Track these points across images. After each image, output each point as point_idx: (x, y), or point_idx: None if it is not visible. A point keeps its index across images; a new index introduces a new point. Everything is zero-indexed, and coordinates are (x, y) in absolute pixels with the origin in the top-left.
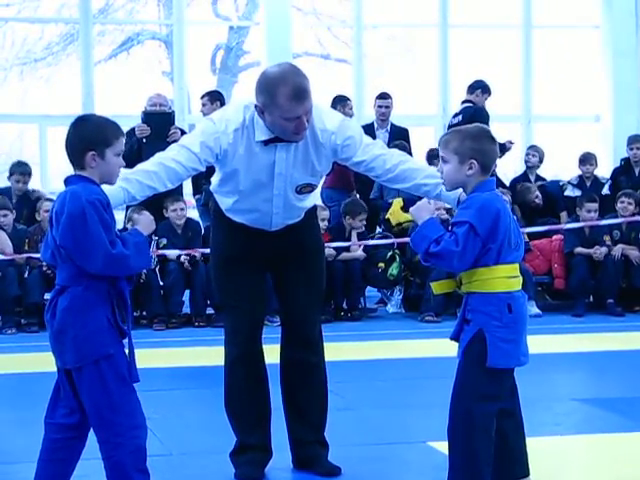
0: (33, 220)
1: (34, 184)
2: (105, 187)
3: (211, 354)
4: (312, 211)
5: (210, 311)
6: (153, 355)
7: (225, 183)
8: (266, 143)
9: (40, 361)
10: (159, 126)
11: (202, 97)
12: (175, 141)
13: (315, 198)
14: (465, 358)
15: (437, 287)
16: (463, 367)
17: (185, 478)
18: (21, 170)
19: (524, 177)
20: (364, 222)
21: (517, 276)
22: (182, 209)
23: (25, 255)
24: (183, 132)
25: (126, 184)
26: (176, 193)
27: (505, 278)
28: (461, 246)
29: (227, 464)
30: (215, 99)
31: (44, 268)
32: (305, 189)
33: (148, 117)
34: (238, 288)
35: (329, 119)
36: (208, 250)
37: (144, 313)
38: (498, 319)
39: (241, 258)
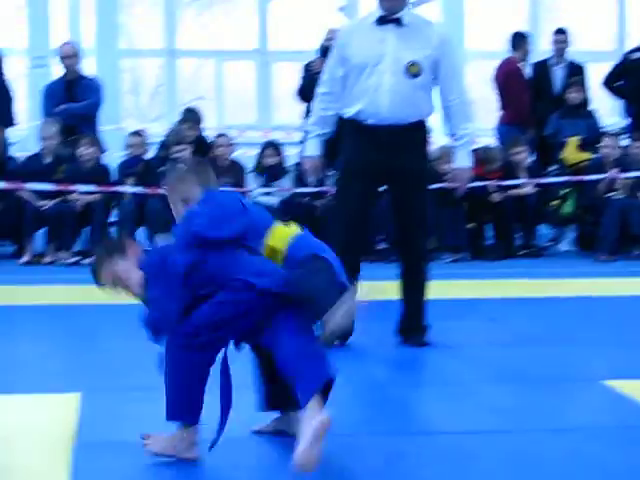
0: None
1: (210, 120)
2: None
3: (375, 288)
4: (421, 131)
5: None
6: None
7: (348, 78)
8: (379, 23)
9: None
10: None
11: None
12: None
13: (429, 110)
14: None
15: None
16: None
17: None
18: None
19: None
20: (526, 154)
21: None
22: None
23: None
24: None
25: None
26: None
27: None
28: None
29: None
30: None
31: None
32: (413, 68)
33: (325, 52)
34: (346, 201)
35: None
36: None
37: None
38: None
39: (355, 172)
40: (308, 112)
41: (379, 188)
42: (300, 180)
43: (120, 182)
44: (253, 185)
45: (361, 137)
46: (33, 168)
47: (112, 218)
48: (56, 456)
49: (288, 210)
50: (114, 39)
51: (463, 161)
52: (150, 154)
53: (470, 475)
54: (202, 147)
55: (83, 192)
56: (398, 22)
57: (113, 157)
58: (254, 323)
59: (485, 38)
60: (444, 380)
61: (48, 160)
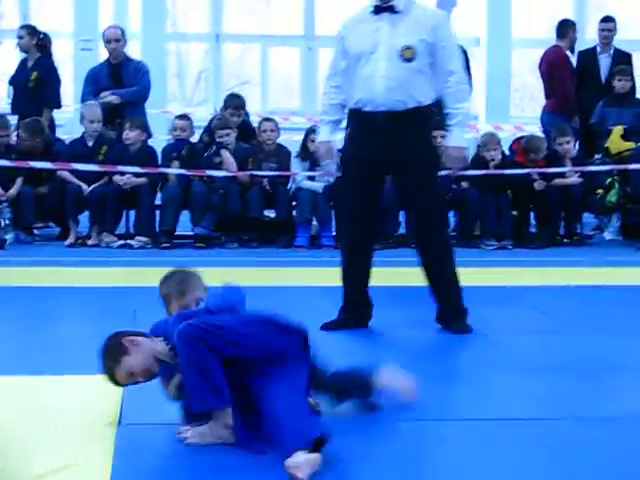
0: None
1: (254, 105)
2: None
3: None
4: (421, 116)
5: None
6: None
7: (348, 68)
8: (376, 12)
9: (261, 275)
10: None
11: None
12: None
13: (428, 95)
14: None
15: None
16: None
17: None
18: (235, 104)
19: None
20: (572, 145)
21: None
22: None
23: (248, 172)
24: None
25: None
26: None
27: None
28: None
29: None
30: None
31: (264, 184)
32: (407, 52)
33: None
34: (350, 189)
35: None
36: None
37: None
38: None
39: (357, 159)
40: None
41: (382, 176)
42: None
43: (165, 165)
44: (297, 170)
45: (360, 125)
46: (78, 151)
47: (157, 201)
48: (100, 436)
49: (332, 195)
50: (160, 23)
51: (456, 140)
52: (195, 138)
53: (510, 462)
54: (246, 132)
55: (129, 174)
56: (392, 9)
57: (157, 140)
58: (253, 355)
59: (532, 26)
60: (482, 368)
61: (91, 143)
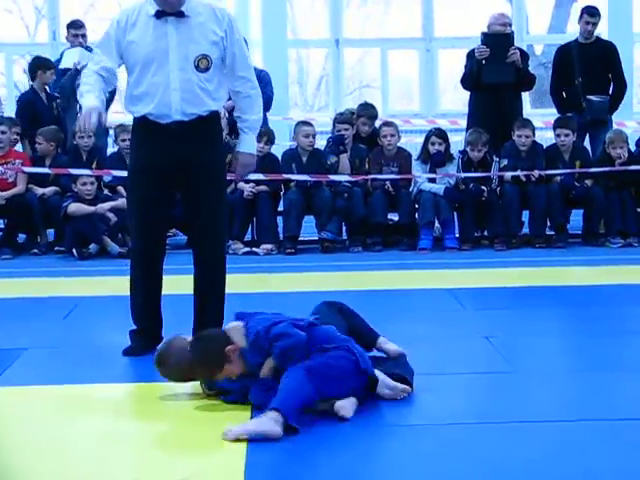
0: None
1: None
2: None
3: (549, 274)
4: (214, 121)
5: (550, 232)
6: (493, 275)
7: (130, 74)
8: (158, 16)
9: (385, 279)
10: (498, 47)
11: None
12: (514, 62)
13: (220, 101)
14: None
15: None
16: None
17: (525, 395)
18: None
19: None
20: None
21: None
22: (528, 136)
23: (370, 177)
24: (522, 52)
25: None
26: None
27: None
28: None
29: (568, 385)
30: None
31: (387, 187)
32: (202, 63)
33: (488, 38)
34: (141, 200)
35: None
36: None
37: (485, 233)
38: None
39: (148, 169)
40: (471, 101)
41: (173, 185)
42: (465, 167)
43: (286, 171)
44: (418, 172)
45: (152, 136)
46: None
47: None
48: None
49: (453, 197)
50: (280, 30)
51: (247, 146)
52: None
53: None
54: (374, 140)
55: (252, 184)
56: (179, 14)
57: (279, 147)
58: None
59: None
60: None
61: None
